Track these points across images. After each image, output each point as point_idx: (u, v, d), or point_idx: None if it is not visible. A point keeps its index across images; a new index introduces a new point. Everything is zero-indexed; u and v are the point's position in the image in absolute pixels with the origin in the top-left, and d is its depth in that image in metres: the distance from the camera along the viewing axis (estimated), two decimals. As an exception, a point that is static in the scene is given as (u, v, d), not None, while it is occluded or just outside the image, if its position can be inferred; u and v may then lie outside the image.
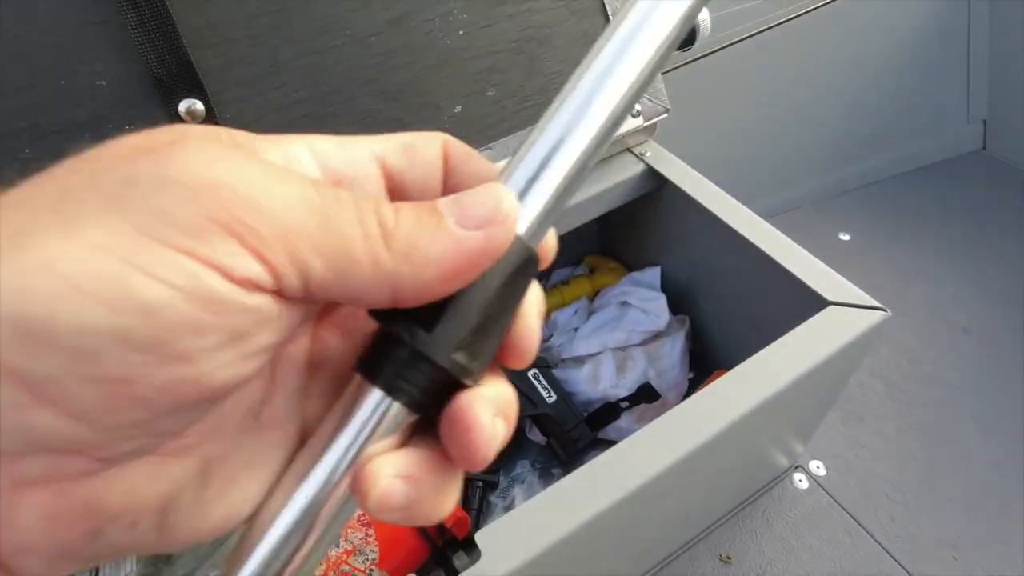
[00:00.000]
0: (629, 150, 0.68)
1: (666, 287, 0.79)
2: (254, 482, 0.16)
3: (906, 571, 0.65)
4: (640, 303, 0.75)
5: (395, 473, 0.15)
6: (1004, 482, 0.72)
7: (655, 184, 0.69)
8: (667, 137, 0.69)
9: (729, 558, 0.67)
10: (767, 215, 0.60)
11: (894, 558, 0.66)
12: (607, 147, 0.18)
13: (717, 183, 0.64)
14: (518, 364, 0.18)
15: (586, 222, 0.68)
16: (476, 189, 0.16)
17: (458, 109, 0.55)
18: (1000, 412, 0.78)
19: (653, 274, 0.79)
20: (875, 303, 0.52)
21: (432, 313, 0.15)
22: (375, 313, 0.16)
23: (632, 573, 0.65)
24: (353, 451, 0.15)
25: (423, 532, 0.59)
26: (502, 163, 0.18)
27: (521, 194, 0.16)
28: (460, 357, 0.15)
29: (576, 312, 0.80)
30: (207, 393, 0.14)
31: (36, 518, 0.13)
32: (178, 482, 0.15)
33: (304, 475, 0.16)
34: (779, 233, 0.59)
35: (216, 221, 0.13)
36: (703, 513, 0.68)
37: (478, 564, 0.40)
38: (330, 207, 0.14)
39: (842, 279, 0.54)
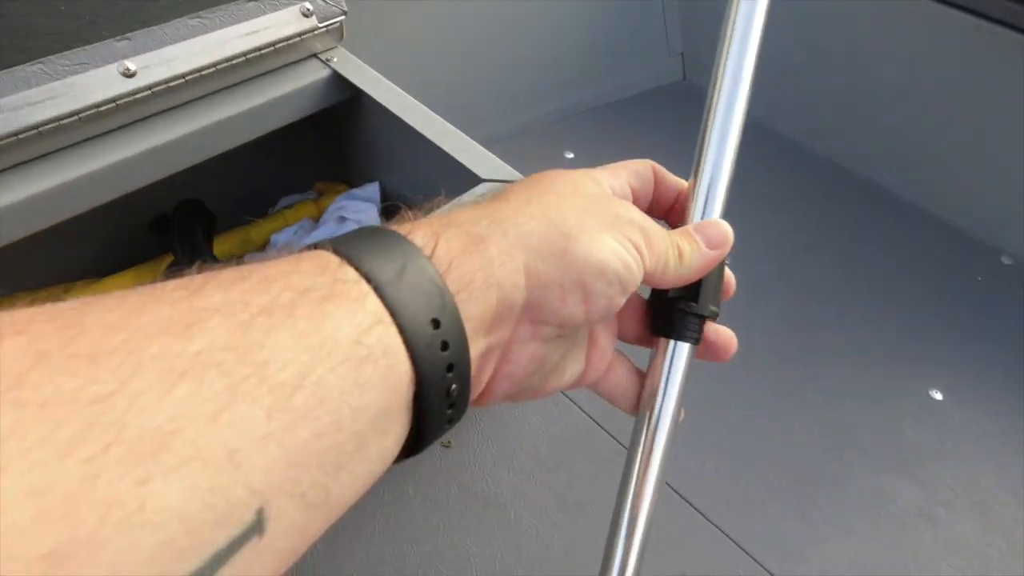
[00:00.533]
0: (316, 56, 0.67)
1: (391, 200, 0.80)
2: (580, 365, 0.29)
3: (601, 427, 0.75)
4: (354, 215, 0.76)
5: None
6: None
7: (346, 93, 0.69)
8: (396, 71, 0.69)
9: (449, 443, 0.72)
10: (497, 140, 0.63)
11: (591, 418, 0.76)
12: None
13: (439, 108, 0.66)
14: (727, 297, 0.31)
15: (273, 131, 0.66)
16: (711, 222, 0.28)
17: None
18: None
19: (371, 188, 0.80)
20: (520, 176, 0.57)
21: (692, 291, 0.28)
22: (658, 296, 0.29)
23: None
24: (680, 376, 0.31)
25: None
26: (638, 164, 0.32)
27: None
28: (713, 308, 0.29)
29: (296, 232, 0.78)
30: (612, 313, 0.25)
31: (525, 358, 0.24)
32: (561, 355, 0.27)
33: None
34: (452, 127, 0.63)
35: (632, 240, 0.25)
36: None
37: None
38: (662, 238, 0.26)
39: (500, 161, 0.59)
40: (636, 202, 0.28)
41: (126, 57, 0.53)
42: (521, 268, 0.21)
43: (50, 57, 0.49)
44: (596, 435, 0.74)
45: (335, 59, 0.68)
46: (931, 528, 0.71)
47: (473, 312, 0.19)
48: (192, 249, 0.69)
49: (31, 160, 0.52)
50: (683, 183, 0.31)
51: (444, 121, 0.63)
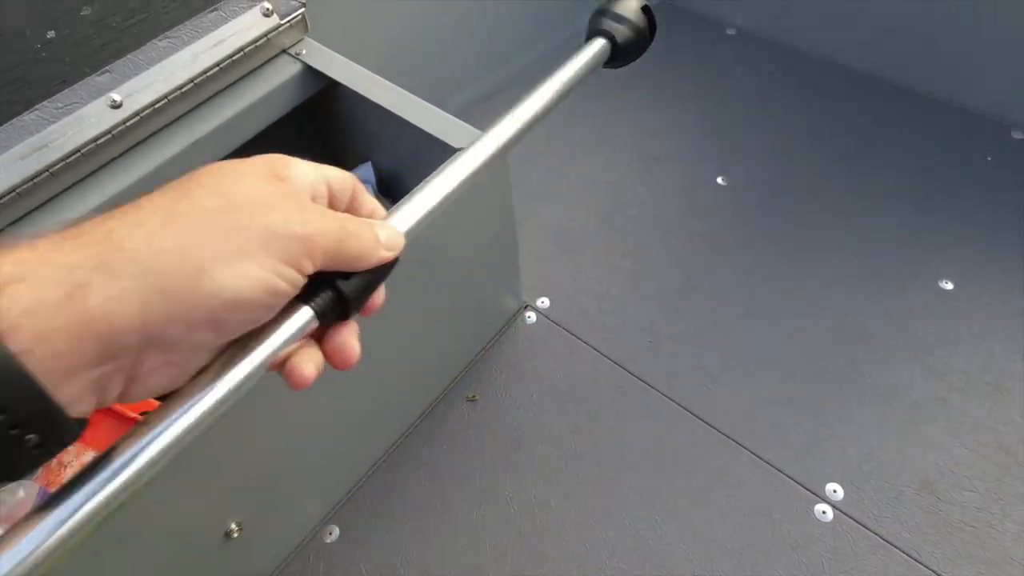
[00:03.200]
0: (285, 51, 0.70)
1: (385, 180, 0.83)
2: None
3: (614, 362, 0.79)
4: (351, 198, 0.79)
5: (315, 363, 0.26)
6: (685, 272, 0.87)
7: (321, 83, 0.72)
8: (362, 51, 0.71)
9: (475, 396, 0.77)
10: (479, 101, 0.64)
11: (604, 355, 0.80)
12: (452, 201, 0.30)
13: (413, 82, 0.67)
14: (369, 314, 0.28)
15: (259, 134, 0.69)
16: (392, 231, 0.27)
17: (51, 35, 0.53)
18: (681, 216, 0.93)
19: (364, 169, 0.83)
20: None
21: (348, 276, 0.26)
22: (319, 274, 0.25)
23: (388, 430, 0.73)
24: (281, 343, 0.24)
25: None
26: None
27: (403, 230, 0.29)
28: (354, 298, 0.26)
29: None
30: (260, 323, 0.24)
31: (162, 376, 0.22)
32: (209, 356, 0.24)
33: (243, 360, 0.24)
34: (419, 100, 0.65)
35: (287, 258, 0.23)
36: (444, 365, 0.77)
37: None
38: (347, 228, 0.25)
39: (475, 129, 0.61)
40: (332, 204, 0.27)
41: (110, 89, 0.56)
42: (133, 313, 0.20)
43: (44, 103, 0.53)
44: (608, 369, 0.78)
45: (304, 51, 0.70)
46: (944, 412, 0.74)
47: (57, 362, 0.19)
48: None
49: (47, 201, 0.56)
50: (381, 210, 0.29)
51: (415, 97, 0.65)
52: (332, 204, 0.27)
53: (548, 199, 0.96)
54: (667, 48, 1.17)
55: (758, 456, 0.71)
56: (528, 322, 0.83)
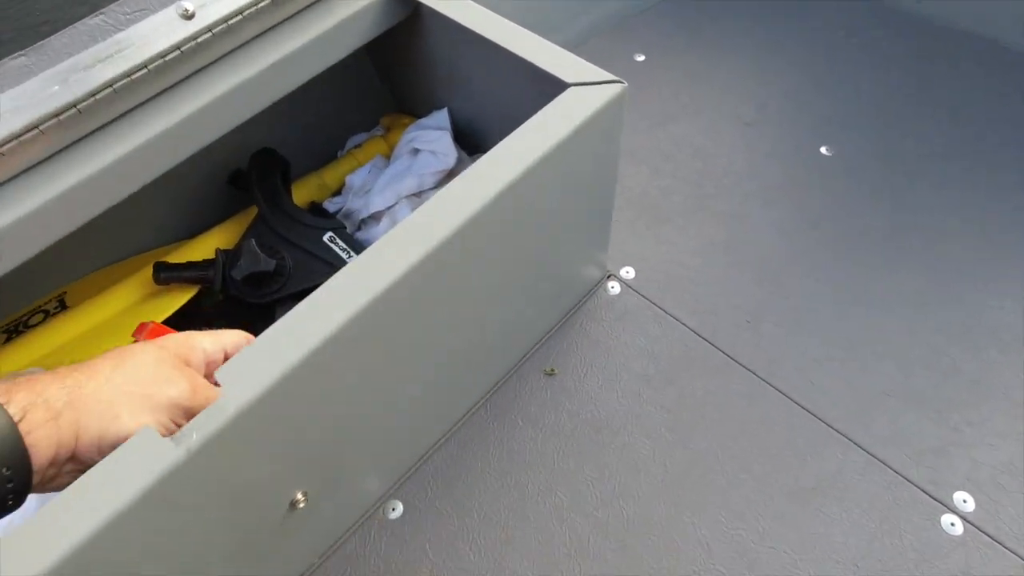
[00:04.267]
0: (368, -27, 0.62)
1: (460, 127, 0.76)
2: None
3: (708, 342, 0.71)
4: (427, 145, 0.72)
5: None
6: (784, 248, 0.78)
7: (408, 9, 0.64)
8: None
9: (553, 371, 0.70)
10: (563, 47, 0.56)
11: (697, 333, 0.72)
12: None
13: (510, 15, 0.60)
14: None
15: (334, 66, 0.62)
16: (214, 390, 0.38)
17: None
18: (779, 188, 0.84)
19: (440, 116, 0.75)
20: (612, 77, 0.52)
21: None
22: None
23: (457, 404, 0.66)
24: None
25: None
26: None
27: None
28: None
29: (370, 171, 0.76)
30: None
31: (71, 476, 0.35)
32: None
33: None
34: (526, 31, 0.57)
35: (162, 421, 0.36)
36: (521, 335, 0.70)
37: (218, 400, 0.37)
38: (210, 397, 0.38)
39: (586, 63, 0.53)
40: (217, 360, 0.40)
41: (182, -2, 0.50)
42: (74, 437, 0.33)
43: (111, 7, 0.47)
44: (701, 349, 0.71)
45: (390, -26, 0.62)
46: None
47: (38, 460, 0.31)
48: (273, 197, 0.68)
49: (112, 122, 0.50)
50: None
51: (517, 26, 0.57)
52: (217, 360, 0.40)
53: (633, 162, 0.88)
54: (764, 7, 1.07)
55: (873, 456, 0.63)
56: (611, 292, 0.75)
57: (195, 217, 0.74)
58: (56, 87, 0.45)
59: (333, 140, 0.84)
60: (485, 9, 0.60)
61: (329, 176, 0.77)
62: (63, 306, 0.68)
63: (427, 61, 0.73)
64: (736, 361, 0.69)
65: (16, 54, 0.44)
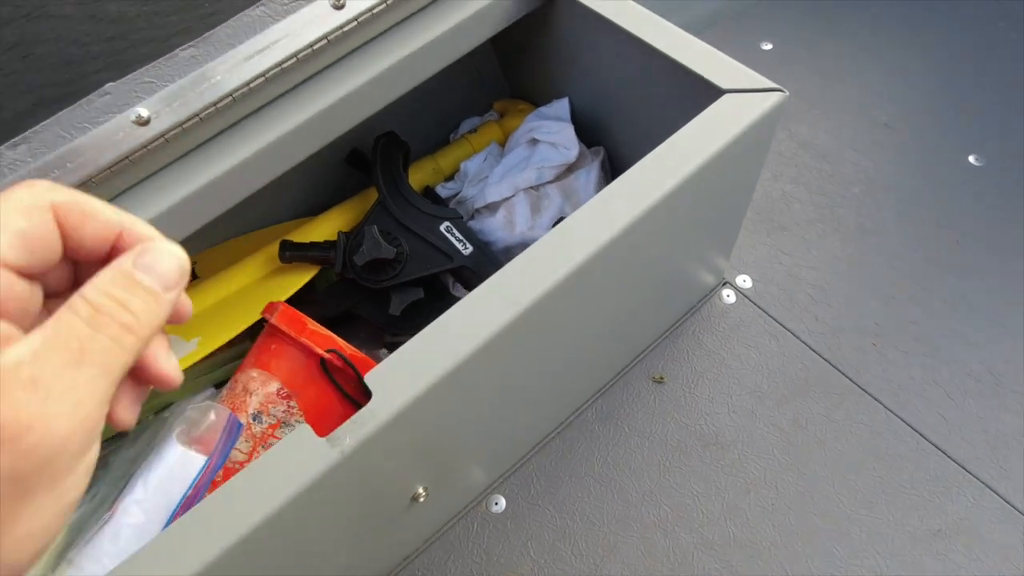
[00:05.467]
0: (509, -41, 0.60)
1: (578, 118, 0.73)
2: None
3: (829, 363, 0.67)
4: (547, 136, 0.70)
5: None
6: (919, 267, 0.73)
7: (543, -3, 0.62)
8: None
9: (662, 378, 0.68)
10: (688, 31, 0.54)
11: (817, 353, 0.68)
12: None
13: None
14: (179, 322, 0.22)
15: (476, 52, 0.61)
16: (155, 249, 0.19)
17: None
18: (918, 200, 0.78)
19: (560, 105, 0.73)
20: (771, 84, 0.48)
21: None
22: None
23: (565, 404, 0.66)
24: None
25: (347, 396, 0.58)
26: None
27: None
28: None
29: (486, 159, 0.75)
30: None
31: None
32: None
33: None
34: (674, 28, 0.54)
35: None
36: (632, 338, 0.68)
37: (369, 406, 0.38)
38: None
39: (739, 65, 0.50)
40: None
41: (336, -13, 0.50)
42: None
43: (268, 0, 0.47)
44: (820, 369, 0.67)
45: (531, -39, 0.60)
46: None
47: None
48: (394, 183, 0.68)
49: (260, 108, 0.51)
50: (126, 220, 0.20)
51: (665, 22, 0.54)
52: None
53: (753, 161, 0.83)
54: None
55: (1010, 504, 0.59)
56: (726, 301, 0.72)
57: (313, 193, 0.76)
58: (219, 77, 0.46)
59: (444, 122, 0.84)
60: (630, 0, 0.57)
61: (444, 161, 0.77)
62: (193, 275, 0.72)
63: (552, 48, 0.71)
64: (860, 386, 0.66)
65: (187, 45, 0.45)
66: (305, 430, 0.37)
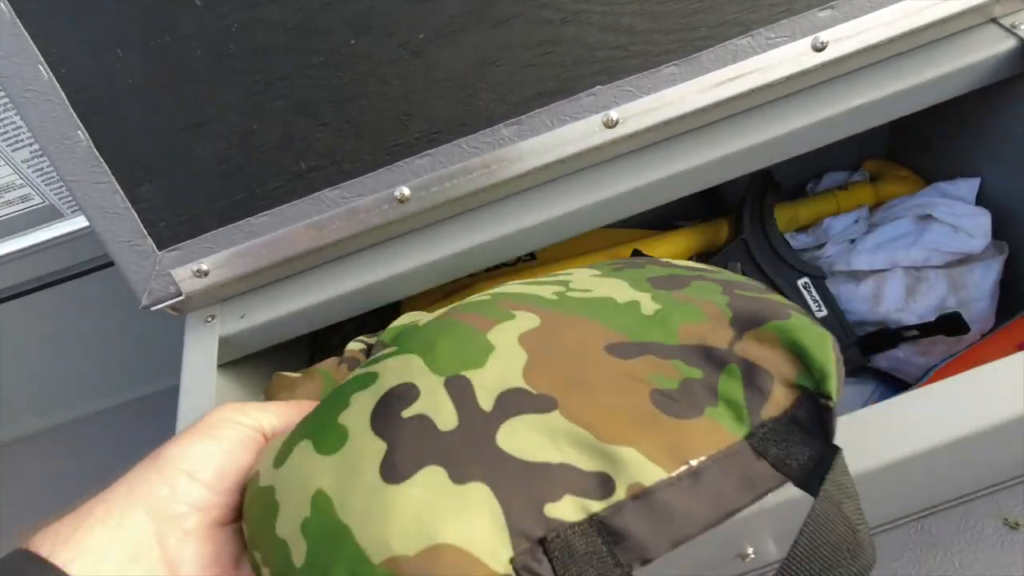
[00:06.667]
0: (995, 21, 0.54)
1: (980, 204, 0.65)
2: None
3: None
4: (950, 218, 0.63)
5: None
6: None
7: (1017, 67, 0.55)
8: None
9: (1017, 524, 0.58)
10: None
11: None
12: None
13: None
14: None
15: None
16: None
17: None
18: None
19: (968, 186, 0.65)
20: None
21: None
22: None
23: (896, 513, 0.59)
24: None
25: None
26: None
27: None
28: None
29: (857, 221, 0.69)
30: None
31: None
32: None
33: None
34: None
35: None
36: (992, 467, 0.59)
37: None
38: None
39: None
40: None
41: (821, 30, 0.48)
42: None
43: (759, 30, 0.48)
44: None
45: (1022, 25, 0.53)
46: None
47: None
48: (761, 221, 0.66)
49: (694, 130, 0.52)
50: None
51: None
52: None
53: None
54: None
55: None
56: (1125, 464, 0.59)
57: (662, 208, 0.77)
58: (688, 97, 0.48)
59: (805, 169, 0.80)
60: None
61: (804, 211, 0.73)
62: (532, 256, 0.77)
63: (980, 120, 0.63)
64: None
65: (671, 63, 0.47)
66: None
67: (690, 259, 0.67)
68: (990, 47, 0.53)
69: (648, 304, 0.33)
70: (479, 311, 0.33)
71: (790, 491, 0.35)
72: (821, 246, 0.70)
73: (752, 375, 0.28)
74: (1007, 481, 0.60)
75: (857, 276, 0.65)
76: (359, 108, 0.47)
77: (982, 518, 0.59)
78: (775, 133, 0.52)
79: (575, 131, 0.48)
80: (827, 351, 0.27)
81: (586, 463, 0.25)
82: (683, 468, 0.25)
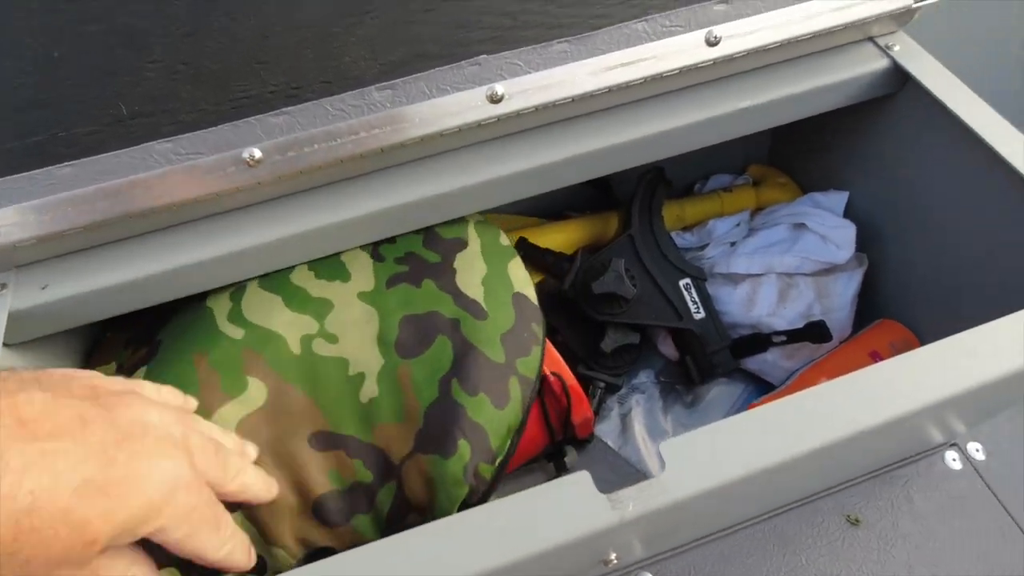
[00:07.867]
0: (872, 40, 0.55)
1: (851, 216, 0.68)
2: None
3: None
4: (821, 228, 0.65)
5: None
6: None
7: (889, 87, 0.57)
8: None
9: (858, 520, 0.61)
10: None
11: (1049, 564, 0.59)
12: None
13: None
14: None
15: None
16: None
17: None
18: None
19: (838, 199, 0.68)
20: None
21: None
22: None
23: (744, 512, 0.60)
24: None
25: (547, 424, 0.55)
26: None
27: None
28: None
29: (739, 225, 0.70)
30: None
31: None
32: None
33: None
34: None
35: None
36: (836, 471, 0.62)
37: (660, 479, 0.35)
38: None
39: None
40: None
41: (716, 24, 0.47)
42: None
43: (655, 15, 0.45)
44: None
45: (896, 47, 0.55)
46: None
47: None
48: (650, 220, 0.65)
49: (585, 115, 0.49)
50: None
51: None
52: None
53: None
54: None
55: None
56: (950, 465, 0.65)
57: (550, 197, 0.74)
58: (577, 78, 0.45)
59: (691, 171, 0.80)
60: (987, 106, 0.51)
61: (691, 210, 0.73)
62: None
63: (850, 134, 0.65)
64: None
65: (563, 39, 0.44)
66: (585, 479, 0.35)
67: (577, 251, 0.64)
68: (866, 65, 0.54)
69: (370, 384, 0.41)
70: (222, 371, 0.41)
71: (658, 500, 0.34)
72: (704, 247, 0.70)
73: (399, 495, 0.39)
74: (849, 481, 0.64)
75: (734, 279, 0.66)
76: (199, 47, 0.39)
77: (828, 516, 0.62)
78: (664, 127, 0.50)
79: (456, 103, 0.44)
80: (459, 490, 0.39)
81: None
82: None
